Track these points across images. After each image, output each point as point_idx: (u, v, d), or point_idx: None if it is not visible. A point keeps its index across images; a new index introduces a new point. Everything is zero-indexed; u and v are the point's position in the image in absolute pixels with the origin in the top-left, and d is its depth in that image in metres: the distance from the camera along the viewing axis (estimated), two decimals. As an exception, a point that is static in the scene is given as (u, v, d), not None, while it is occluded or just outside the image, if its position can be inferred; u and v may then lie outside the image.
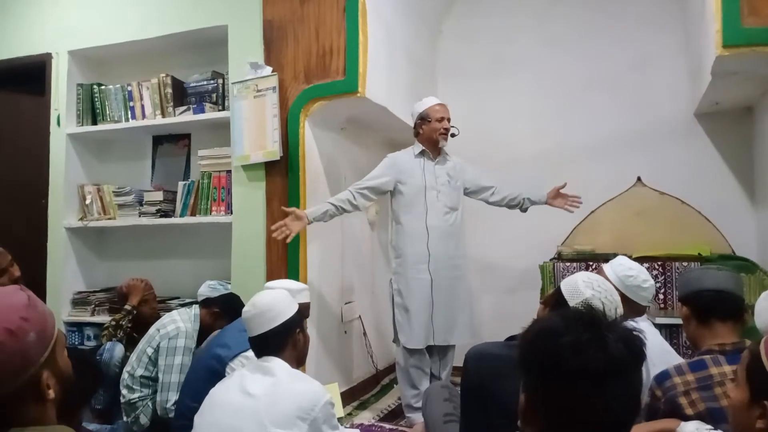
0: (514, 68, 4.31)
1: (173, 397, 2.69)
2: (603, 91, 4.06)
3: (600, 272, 2.21)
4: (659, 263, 3.24)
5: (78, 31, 3.88)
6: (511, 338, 1.77)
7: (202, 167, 3.60)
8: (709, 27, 2.78)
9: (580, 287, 1.65)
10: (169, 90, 3.69)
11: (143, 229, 3.87)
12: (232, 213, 3.43)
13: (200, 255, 3.84)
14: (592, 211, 3.76)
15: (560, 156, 4.13)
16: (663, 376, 1.64)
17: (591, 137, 4.09)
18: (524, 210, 3.42)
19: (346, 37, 3.18)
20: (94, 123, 3.93)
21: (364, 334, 3.91)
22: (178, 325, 2.84)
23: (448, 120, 3.25)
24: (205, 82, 3.65)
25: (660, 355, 1.91)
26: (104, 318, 3.54)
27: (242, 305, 2.73)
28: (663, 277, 3.22)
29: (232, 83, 3.37)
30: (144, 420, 2.77)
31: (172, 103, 3.70)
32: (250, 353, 2.20)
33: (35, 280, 3.62)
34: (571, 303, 1.60)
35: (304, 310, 2.30)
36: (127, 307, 3.18)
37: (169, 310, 3.23)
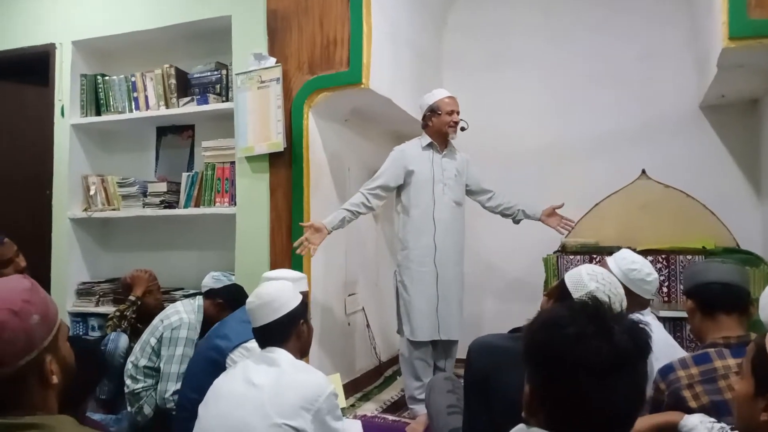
0: (519, 61, 4.29)
1: (172, 387, 2.70)
2: (608, 84, 4.05)
3: (603, 265, 2.20)
4: (663, 256, 3.24)
5: (82, 21, 3.87)
6: (514, 330, 1.77)
7: (206, 158, 3.60)
8: (716, 19, 2.76)
9: (585, 280, 1.65)
10: (173, 81, 3.69)
11: (147, 220, 3.87)
12: (235, 204, 3.43)
13: (204, 246, 3.85)
14: (597, 204, 3.75)
15: (565, 149, 4.13)
16: (667, 370, 1.64)
17: (596, 130, 4.08)
18: (517, 221, 3.45)
19: (351, 28, 3.16)
20: (98, 114, 3.93)
21: (368, 325, 3.92)
22: (181, 316, 2.85)
23: (458, 113, 3.24)
24: (208, 73, 3.65)
25: (664, 348, 1.90)
26: (109, 309, 3.55)
27: (245, 296, 2.75)
28: (667, 270, 3.21)
29: (236, 74, 3.36)
30: (148, 410, 2.79)
31: (175, 94, 3.69)
32: (250, 344, 2.20)
33: (40, 271, 3.63)
34: (575, 295, 1.60)
35: (304, 299, 2.30)
36: (132, 297, 3.20)
37: (173, 301, 3.24)
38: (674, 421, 1.48)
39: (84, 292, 3.87)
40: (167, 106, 3.72)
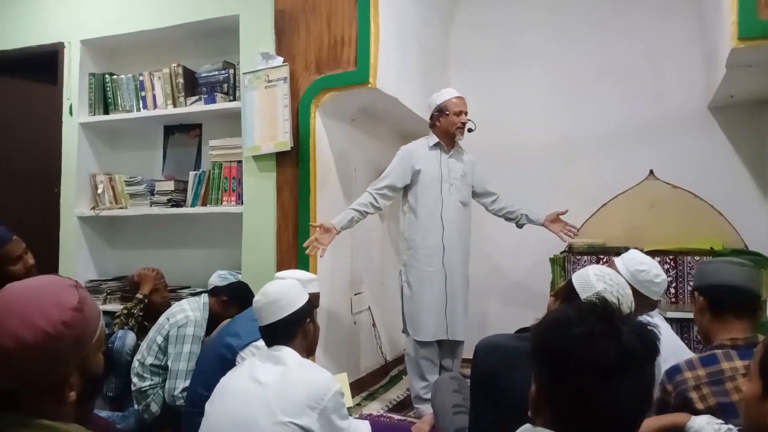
0: (525, 59, 4.28)
1: (181, 384, 2.71)
2: (615, 82, 4.04)
3: (611, 266, 2.20)
4: (671, 257, 3.22)
5: (90, 20, 3.89)
6: (521, 330, 1.77)
7: (213, 157, 3.61)
8: (725, 18, 2.75)
9: (592, 280, 1.64)
10: (181, 80, 3.70)
11: (154, 219, 3.89)
12: (242, 203, 3.44)
13: (211, 245, 3.86)
14: (604, 204, 3.73)
15: (571, 148, 4.12)
16: (674, 371, 1.63)
17: (603, 129, 4.07)
18: (520, 226, 3.45)
19: (358, 28, 3.17)
20: (106, 112, 3.95)
21: (374, 325, 3.92)
22: (187, 314, 2.86)
23: (466, 114, 3.23)
24: (216, 72, 3.66)
25: (672, 350, 1.90)
26: (116, 306, 3.57)
27: (251, 294, 2.77)
28: (675, 271, 3.20)
29: (243, 73, 3.37)
30: (155, 408, 2.80)
31: (183, 93, 3.70)
32: (261, 343, 2.21)
33: (48, 268, 3.65)
34: (583, 296, 1.59)
35: (314, 300, 2.31)
36: (139, 295, 3.21)
37: (180, 299, 3.25)
38: (681, 423, 1.48)
39: (92, 289, 3.88)
40: (175, 105, 3.73)
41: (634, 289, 2.04)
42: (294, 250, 3.24)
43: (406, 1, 3.62)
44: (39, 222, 3.87)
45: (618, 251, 3.31)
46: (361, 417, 3.14)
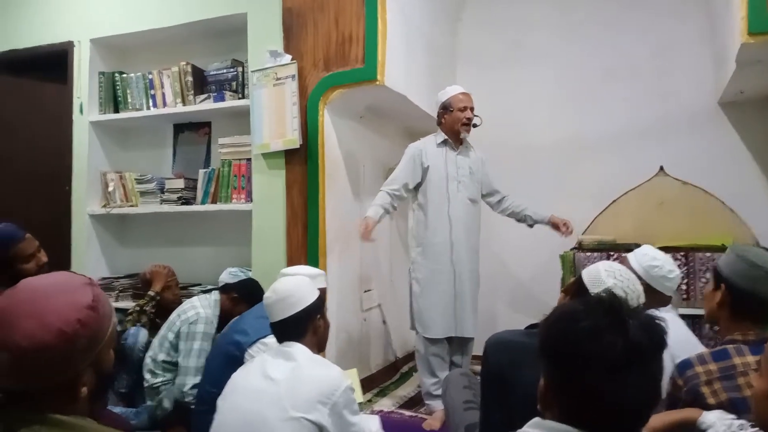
0: (534, 56, 4.27)
1: (191, 381, 2.74)
2: (623, 79, 4.02)
3: (624, 262, 2.20)
4: (682, 253, 3.21)
5: (100, 19, 3.92)
6: (531, 326, 1.77)
7: (223, 155, 3.63)
8: (734, 14, 2.73)
9: (602, 276, 1.64)
10: (190, 78, 3.72)
11: (165, 217, 3.91)
12: (252, 201, 3.45)
13: (221, 242, 3.89)
14: (614, 201, 3.73)
15: (580, 145, 4.11)
16: (685, 365, 1.63)
17: (612, 126, 4.05)
18: (530, 225, 3.45)
19: (366, 25, 3.17)
20: (116, 111, 3.98)
21: (384, 322, 3.93)
22: (198, 310, 2.88)
23: (472, 110, 3.23)
24: (225, 70, 3.67)
25: (684, 347, 1.89)
26: (128, 303, 3.60)
27: (261, 290, 2.78)
28: (686, 267, 3.18)
29: (252, 71, 3.38)
30: (167, 404, 2.82)
31: (192, 91, 3.72)
32: (268, 339, 2.22)
33: (60, 266, 3.67)
34: (593, 291, 1.60)
35: (322, 295, 2.32)
36: (151, 293, 3.23)
37: (191, 296, 3.26)
38: (692, 418, 1.48)
39: (103, 287, 3.89)
40: (184, 103, 3.75)
41: (647, 285, 2.05)
42: (303, 247, 3.26)
43: (414, -2, 3.63)
44: (51, 220, 3.91)
45: (628, 248, 3.30)
46: (372, 413, 3.14)
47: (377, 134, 4.00)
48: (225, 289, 2.98)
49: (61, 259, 3.80)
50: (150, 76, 3.86)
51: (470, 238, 3.25)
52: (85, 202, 3.94)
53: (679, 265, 3.12)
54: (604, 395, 0.95)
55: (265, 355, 1.93)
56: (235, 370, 1.97)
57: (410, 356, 4.15)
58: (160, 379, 2.85)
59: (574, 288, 1.72)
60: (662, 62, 3.94)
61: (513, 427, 1.07)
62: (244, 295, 2.93)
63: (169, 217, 3.91)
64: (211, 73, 3.72)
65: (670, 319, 1.85)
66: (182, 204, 3.72)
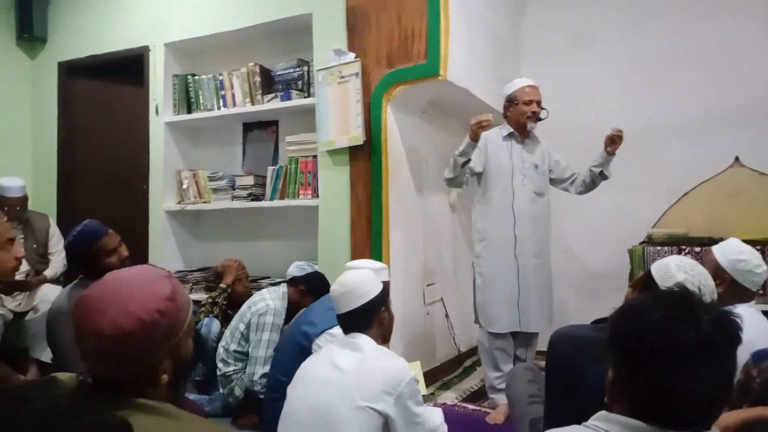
0: (601, 43, 4.15)
1: (260, 370, 2.83)
2: (697, 65, 3.85)
3: (708, 255, 2.14)
4: (758, 247, 3.06)
5: (173, 24, 4.10)
6: (597, 321, 1.75)
7: (290, 153, 3.72)
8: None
9: (672, 270, 1.61)
10: (258, 78, 3.84)
11: (235, 212, 4.06)
12: (318, 196, 3.53)
13: (288, 236, 4.00)
14: (686, 193, 3.60)
15: (650, 135, 3.95)
16: (762, 355, 1.56)
17: (684, 115, 3.89)
18: (598, 179, 3.19)
19: (428, 21, 3.18)
20: (189, 111, 4.15)
21: (447, 316, 3.94)
22: (267, 302, 2.98)
23: (538, 103, 3.16)
24: (291, 70, 3.77)
25: (764, 341, 1.82)
26: (201, 295, 3.75)
27: (327, 283, 2.85)
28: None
29: (317, 70, 3.46)
30: (238, 392, 2.94)
31: (260, 91, 3.84)
32: (335, 330, 2.29)
33: (139, 260, 3.89)
34: (662, 286, 1.56)
35: (386, 288, 2.36)
36: (222, 285, 3.37)
37: (261, 288, 3.38)
38: (766, 417, 1.43)
39: (178, 279, 4.08)
40: (252, 102, 3.87)
41: (732, 279, 2.01)
42: (367, 242, 3.31)
43: (476, -9, 3.60)
44: (131, 217, 4.13)
45: (700, 242, 3.19)
46: (435, 406, 3.17)
47: (440, 129, 4.00)
48: (292, 281, 3.07)
49: (139, 253, 4.00)
50: (220, 78, 4.00)
51: (537, 232, 3.19)
52: (162, 199, 4.14)
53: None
54: (674, 388, 0.94)
55: (332, 346, 1.99)
56: (303, 359, 2.04)
57: (474, 350, 4.14)
58: (231, 368, 2.97)
59: (643, 283, 1.69)
60: (736, 48, 3.75)
61: (579, 421, 1.07)
62: (310, 287, 3.01)
63: (239, 212, 4.05)
64: (278, 72, 3.82)
65: (751, 314, 1.79)
66: (252, 200, 3.85)
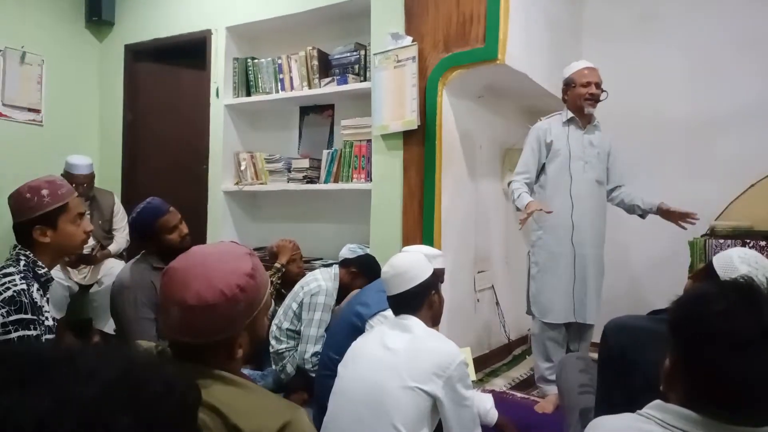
0: (664, 28, 3.98)
1: (311, 349, 2.89)
2: (764, 51, 3.65)
3: None
4: (831, 243, 2.92)
5: (234, 8, 4.17)
6: (654, 313, 1.72)
7: (345, 136, 3.76)
8: None
9: (735, 262, 1.55)
10: (315, 62, 3.88)
11: (291, 194, 4.14)
12: (371, 180, 3.56)
13: (342, 219, 4.05)
14: (752, 185, 3.44)
15: (715, 121, 3.80)
16: None
17: (752, 101, 3.70)
18: (641, 216, 3.19)
19: (487, 4, 3.13)
20: (248, 94, 4.23)
21: (497, 303, 3.92)
22: (319, 283, 3.04)
23: (597, 85, 3.06)
24: (348, 54, 3.79)
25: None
26: (256, 275, 3.84)
27: (378, 266, 2.88)
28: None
29: (374, 54, 3.46)
30: (290, 369, 3.01)
31: (317, 75, 3.88)
32: (388, 312, 2.31)
33: (197, 238, 4.01)
34: (724, 278, 1.51)
35: (439, 275, 2.36)
36: (277, 265, 3.43)
37: (313, 269, 3.44)
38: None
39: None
40: (310, 86, 3.92)
41: None
42: (419, 226, 3.32)
43: (537, -27, 3.52)
44: (191, 195, 4.26)
45: (766, 235, 3.06)
46: (485, 392, 3.17)
47: (495, 114, 3.96)
48: (344, 263, 3.12)
49: (199, 232, 4.14)
50: (279, 61, 4.06)
51: (595, 221, 3.12)
52: (221, 180, 4.25)
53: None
54: (732, 377, 0.92)
55: (383, 327, 2.01)
56: (355, 339, 2.08)
57: (524, 339, 4.11)
58: (284, 346, 3.04)
59: (704, 275, 1.64)
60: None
61: (631, 411, 1.06)
62: (361, 269, 3.05)
63: (294, 194, 4.12)
64: (335, 56, 3.85)
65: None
66: (307, 183, 3.91)
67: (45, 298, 1.84)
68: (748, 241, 3.05)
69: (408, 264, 2.03)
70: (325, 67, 3.89)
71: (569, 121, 3.13)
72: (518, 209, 3.07)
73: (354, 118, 3.72)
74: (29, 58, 4.41)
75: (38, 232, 1.82)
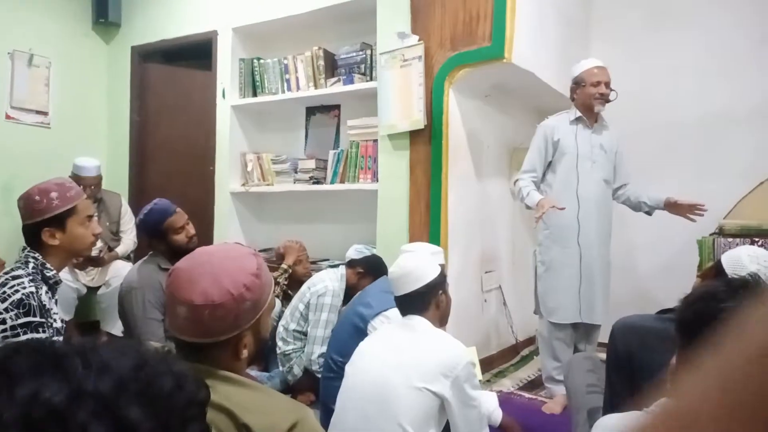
0: (678, 24, 3.94)
1: (318, 350, 2.90)
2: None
3: None
4: (843, 242, 2.89)
5: (240, 9, 4.18)
6: (662, 312, 1.70)
7: (351, 136, 3.76)
8: None
9: (744, 261, 1.54)
10: (321, 62, 3.88)
11: (297, 195, 4.14)
12: (378, 180, 3.55)
13: (348, 220, 4.04)
14: (761, 183, 3.41)
15: (727, 119, 3.76)
16: None
17: (760, 101, 3.68)
18: (648, 213, 3.19)
19: (494, 2, 3.12)
20: (254, 95, 4.24)
21: (504, 303, 3.91)
22: (326, 283, 3.04)
23: (606, 84, 3.03)
24: (354, 54, 3.79)
25: None
26: (263, 275, 3.85)
27: (384, 266, 2.88)
28: None
29: (380, 54, 3.46)
30: (297, 370, 3.02)
31: (323, 75, 3.88)
32: (390, 312, 2.31)
33: (205, 239, 4.03)
34: (733, 276, 1.50)
35: (442, 271, 2.36)
36: (284, 266, 3.45)
37: (320, 270, 3.45)
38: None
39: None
40: (316, 86, 3.92)
41: None
42: (426, 226, 3.31)
43: (543, -29, 3.51)
44: (197, 196, 4.28)
45: (777, 234, 3.04)
46: (492, 392, 3.16)
47: (502, 113, 3.94)
48: (351, 264, 3.12)
49: (205, 233, 4.15)
50: (285, 62, 4.06)
51: (602, 221, 3.10)
52: (227, 181, 4.26)
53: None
54: None
55: (390, 326, 2.01)
56: (358, 340, 2.07)
57: (531, 339, 4.10)
58: (291, 347, 3.05)
59: (712, 273, 1.63)
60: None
61: (639, 410, 1.05)
62: (368, 270, 3.05)
63: (301, 195, 4.12)
64: (342, 56, 3.85)
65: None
66: (313, 183, 3.91)
67: (53, 301, 1.85)
68: (756, 239, 3.02)
69: (415, 264, 2.03)
70: (332, 67, 3.89)
71: (577, 120, 3.11)
72: (528, 207, 3.06)
73: (360, 118, 3.72)
74: (37, 61, 4.43)
75: (47, 234, 1.83)
